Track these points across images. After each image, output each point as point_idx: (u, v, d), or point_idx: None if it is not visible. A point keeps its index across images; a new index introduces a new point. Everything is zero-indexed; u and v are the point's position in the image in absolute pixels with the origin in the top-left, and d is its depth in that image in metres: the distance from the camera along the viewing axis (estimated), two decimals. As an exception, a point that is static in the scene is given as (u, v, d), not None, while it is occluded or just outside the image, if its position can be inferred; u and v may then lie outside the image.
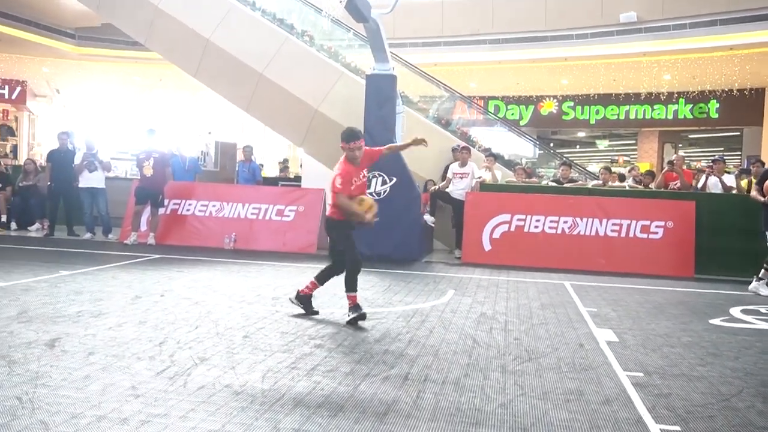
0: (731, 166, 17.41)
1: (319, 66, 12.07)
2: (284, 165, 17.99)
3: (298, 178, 15.77)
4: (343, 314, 5.89)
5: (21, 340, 4.51)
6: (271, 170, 19.65)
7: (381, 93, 10.46)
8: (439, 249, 11.87)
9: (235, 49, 12.12)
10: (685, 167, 12.93)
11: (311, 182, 12.78)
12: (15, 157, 21.61)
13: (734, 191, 10.69)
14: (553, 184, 11.60)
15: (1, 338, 4.52)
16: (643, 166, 16.48)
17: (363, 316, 5.56)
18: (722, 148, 22.64)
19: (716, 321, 6.33)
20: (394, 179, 10.17)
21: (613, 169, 14.87)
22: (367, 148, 5.82)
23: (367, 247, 9.40)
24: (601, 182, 11.50)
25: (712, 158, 11.77)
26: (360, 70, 12.12)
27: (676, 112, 19.95)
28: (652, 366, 4.56)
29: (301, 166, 19.74)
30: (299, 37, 12.37)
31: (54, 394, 3.45)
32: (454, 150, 11.49)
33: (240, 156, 13.79)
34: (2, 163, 14.07)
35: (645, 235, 9.89)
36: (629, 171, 13.36)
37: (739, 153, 21.12)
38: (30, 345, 4.39)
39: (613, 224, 9.99)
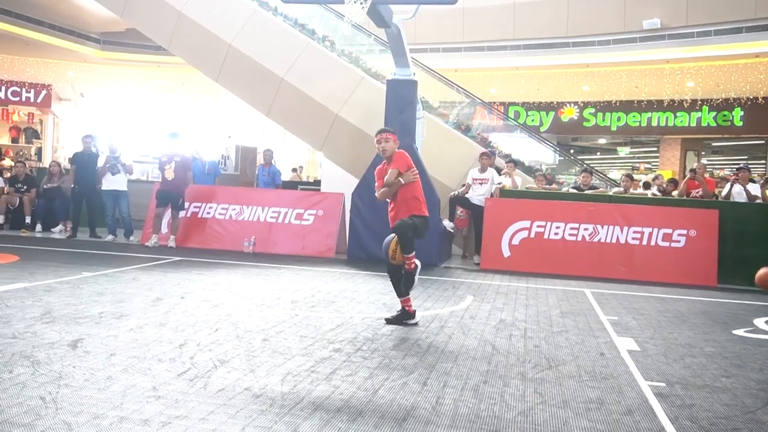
0: (756, 175, 17.18)
1: (340, 71, 12.12)
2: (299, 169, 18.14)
3: (317, 182, 15.83)
4: (363, 318, 5.90)
5: (44, 340, 4.56)
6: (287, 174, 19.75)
7: (401, 98, 10.47)
8: (457, 254, 11.85)
9: (257, 53, 12.21)
10: (707, 175, 12.79)
11: (331, 186, 12.83)
12: (39, 159, 21.92)
13: (759, 200, 10.55)
14: (574, 190, 11.53)
15: (25, 338, 4.58)
16: (665, 174, 16.32)
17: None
18: (746, 157, 22.35)
19: (740, 332, 6.24)
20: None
21: (636, 177, 14.74)
22: (403, 154, 5.85)
23: (385, 253, 9.40)
24: (622, 189, 11.40)
25: (737, 166, 11.62)
26: (380, 75, 12.15)
27: (699, 119, 19.73)
28: (675, 376, 4.50)
29: (295, 168, 19.89)
30: (320, 42, 12.43)
31: (77, 394, 3.49)
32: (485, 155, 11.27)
33: (260, 160, 13.86)
34: (27, 166, 14.26)
35: (667, 244, 9.78)
36: (654, 180, 13.25)
37: (764, 162, 20.83)
38: (53, 345, 4.44)
39: (635, 232, 9.90)
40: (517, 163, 12.01)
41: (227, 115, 21.21)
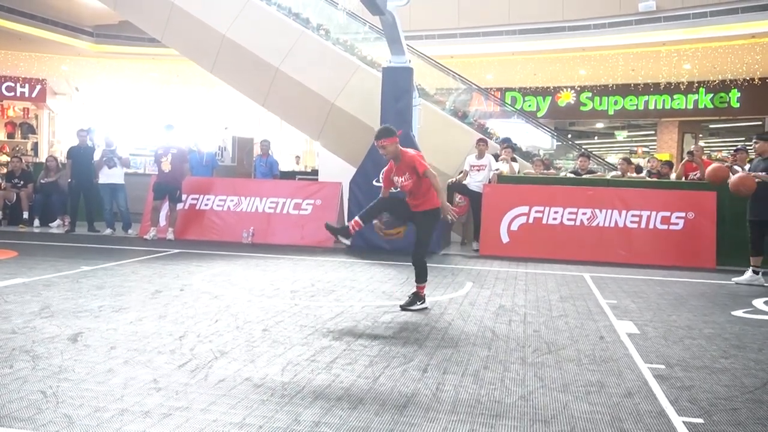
0: (753, 156, 17.13)
1: (336, 59, 12.06)
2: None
3: (315, 172, 15.80)
4: (362, 306, 5.91)
5: (44, 334, 4.56)
6: (287, 164, 19.72)
7: (397, 86, 10.44)
8: (456, 241, 11.86)
9: (251, 44, 12.14)
10: (705, 157, 12.76)
11: (328, 175, 12.80)
12: (36, 154, 21.85)
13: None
14: (572, 175, 11.52)
15: (24, 333, 4.58)
16: (663, 157, 16.28)
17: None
18: (743, 138, 22.31)
19: (739, 312, 6.25)
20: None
21: (634, 160, 14.71)
22: (414, 155, 5.81)
23: (386, 241, 9.40)
24: (619, 173, 11.39)
25: (735, 148, 11.60)
26: (376, 63, 12.09)
27: (696, 101, 19.67)
28: (674, 358, 4.52)
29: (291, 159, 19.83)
30: (315, 31, 12.36)
31: (77, 387, 3.49)
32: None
33: (257, 150, 13.84)
34: (23, 161, 14.22)
35: (665, 226, 9.79)
36: (647, 161, 13.22)
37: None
38: (53, 339, 4.44)
39: (633, 215, 9.90)
40: (514, 148, 11.97)
41: (223, 106, 21.13)
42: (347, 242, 5.92)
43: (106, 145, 11.80)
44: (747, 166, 10.68)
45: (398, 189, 6.01)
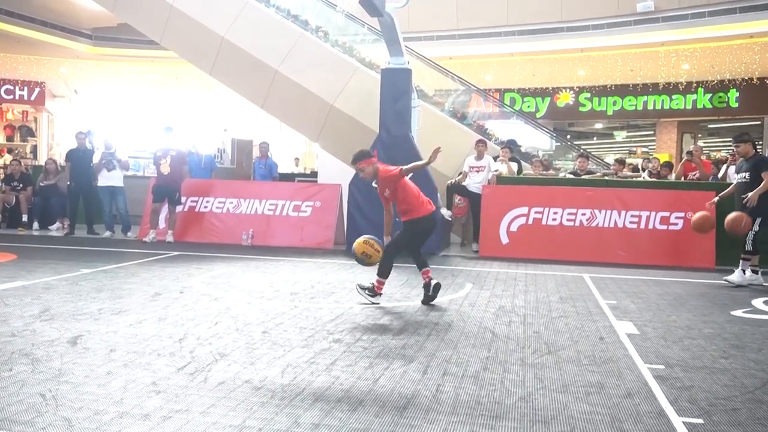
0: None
1: (334, 61, 12.07)
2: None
3: (314, 174, 15.81)
4: (362, 308, 5.91)
5: (44, 337, 4.56)
6: (286, 166, 19.73)
7: (396, 87, 10.43)
8: (455, 242, 11.86)
9: (250, 46, 12.15)
10: (704, 157, 12.77)
11: (328, 177, 12.80)
12: (35, 157, 21.85)
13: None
14: (571, 176, 11.52)
15: (24, 336, 4.58)
16: (662, 157, 16.29)
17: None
18: (742, 138, 22.27)
19: (738, 312, 6.25)
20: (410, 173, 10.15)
21: (630, 161, 14.71)
22: (382, 169, 6.19)
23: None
24: (613, 173, 11.41)
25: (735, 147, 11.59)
26: (375, 65, 12.10)
27: (695, 101, 19.68)
28: (674, 358, 4.52)
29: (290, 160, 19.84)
30: (314, 33, 12.37)
31: (77, 390, 3.49)
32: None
33: (256, 152, 13.84)
34: (23, 164, 14.21)
35: (665, 227, 9.79)
36: (648, 162, 13.23)
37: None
38: (53, 343, 4.44)
39: (632, 216, 9.90)
40: (513, 149, 11.96)
41: (222, 108, 21.14)
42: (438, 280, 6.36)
43: (105, 148, 11.79)
44: (732, 167, 10.71)
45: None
